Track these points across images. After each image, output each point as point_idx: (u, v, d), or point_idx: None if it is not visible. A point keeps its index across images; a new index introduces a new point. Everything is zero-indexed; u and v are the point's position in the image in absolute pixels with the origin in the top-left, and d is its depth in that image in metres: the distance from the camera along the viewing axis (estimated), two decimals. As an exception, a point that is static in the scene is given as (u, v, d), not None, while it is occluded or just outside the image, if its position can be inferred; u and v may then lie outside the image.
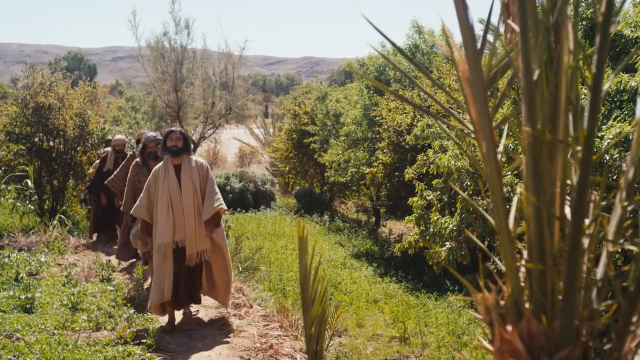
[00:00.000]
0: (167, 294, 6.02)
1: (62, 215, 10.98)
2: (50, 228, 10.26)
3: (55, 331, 5.78)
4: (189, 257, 6.12)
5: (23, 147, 11.87)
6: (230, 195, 16.08)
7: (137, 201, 6.34)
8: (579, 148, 1.36)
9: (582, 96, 4.33)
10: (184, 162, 6.16)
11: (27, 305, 6.48)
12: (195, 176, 6.14)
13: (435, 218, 8.24)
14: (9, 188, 10.80)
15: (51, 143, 12.12)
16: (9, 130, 11.83)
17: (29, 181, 11.05)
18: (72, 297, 6.71)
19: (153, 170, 6.26)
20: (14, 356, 5.00)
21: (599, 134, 5.69)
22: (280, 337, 6.22)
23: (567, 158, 1.39)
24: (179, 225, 6.05)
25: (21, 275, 7.60)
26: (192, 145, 6.27)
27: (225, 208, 6.27)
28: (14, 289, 6.93)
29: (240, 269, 8.60)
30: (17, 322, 5.87)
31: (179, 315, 6.54)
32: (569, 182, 1.39)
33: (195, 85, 21.09)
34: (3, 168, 11.38)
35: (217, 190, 6.26)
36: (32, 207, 10.96)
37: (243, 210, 15.54)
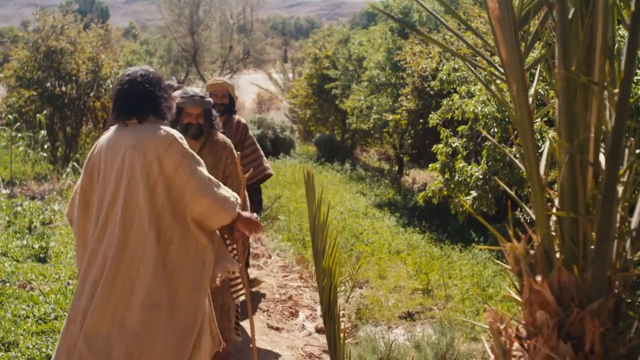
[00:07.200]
0: None
1: (75, 163, 10.74)
2: (64, 176, 10.09)
3: (70, 281, 5.71)
4: None
5: (35, 93, 11.66)
6: (249, 143, 16.06)
7: None
8: (615, 91, 1.30)
9: (619, 37, 4.17)
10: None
11: (41, 255, 6.37)
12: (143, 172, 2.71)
13: (461, 166, 8.14)
14: (20, 135, 10.69)
15: (63, 88, 11.92)
16: (20, 75, 11.63)
17: (43, 131, 10.96)
18: (86, 246, 6.70)
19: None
20: (28, 306, 4.96)
21: (635, 79, 5.51)
22: (299, 288, 6.22)
23: (602, 102, 1.33)
24: None
25: (34, 224, 7.46)
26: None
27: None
28: (28, 238, 6.82)
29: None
30: (31, 271, 5.82)
31: None
32: (603, 127, 1.34)
33: (212, 29, 20.80)
34: (14, 114, 11.19)
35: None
36: (45, 155, 10.84)
37: (262, 158, 15.50)
